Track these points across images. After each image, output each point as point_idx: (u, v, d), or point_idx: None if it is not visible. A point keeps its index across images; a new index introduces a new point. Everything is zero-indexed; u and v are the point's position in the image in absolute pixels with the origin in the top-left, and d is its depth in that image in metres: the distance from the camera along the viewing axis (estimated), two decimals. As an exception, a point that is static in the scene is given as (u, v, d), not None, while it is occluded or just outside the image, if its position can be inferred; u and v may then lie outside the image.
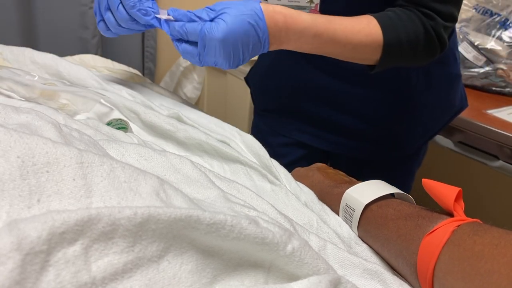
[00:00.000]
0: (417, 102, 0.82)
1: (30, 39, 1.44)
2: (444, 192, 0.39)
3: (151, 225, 0.28)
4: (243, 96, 1.64)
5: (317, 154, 0.91)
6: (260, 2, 0.59)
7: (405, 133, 0.85)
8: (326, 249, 0.40)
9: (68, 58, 0.86)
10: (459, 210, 0.38)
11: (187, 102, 0.78)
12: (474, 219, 0.37)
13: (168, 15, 0.59)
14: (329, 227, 0.47)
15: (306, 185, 0.55)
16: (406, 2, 0.67)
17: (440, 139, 1.14)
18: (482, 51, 1.20)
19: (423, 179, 0.41)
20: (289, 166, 0.59)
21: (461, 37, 1.22)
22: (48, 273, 0.24)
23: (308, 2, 0.70)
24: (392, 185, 0.49)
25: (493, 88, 1.22)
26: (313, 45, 0.63)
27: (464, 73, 1.21)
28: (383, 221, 0.43)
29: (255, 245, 0.32)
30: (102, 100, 0.62)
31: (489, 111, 1.08)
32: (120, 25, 0.62)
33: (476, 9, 1.22)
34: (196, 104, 1.83)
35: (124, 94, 0.67)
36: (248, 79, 1.00)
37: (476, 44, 1.20)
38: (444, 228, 0.36)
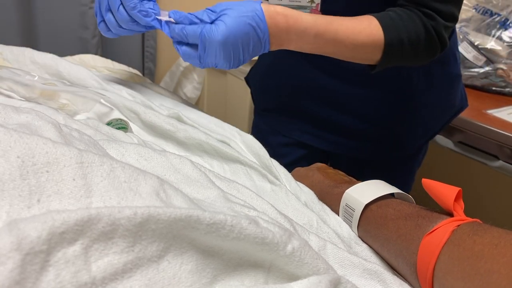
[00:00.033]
0: (417, 102, 0.82)
1: (30, 39, 1.44)
2: (444, 192, 0.39)
3: (151, 225, 0.28)
4: (243, 96, 1.64)
5: (318, 154, 0.90)
6: (261, 2, 0.59)
7: (406, 133, 0.85)
8: (326, 249, 0.41)
9: (68, 58, 0.86)
10: (459, 210, 0.38)
11: (187, 102, 0.78)
12: (474, 219, 0.37)
13: (169, 17, 0.59)
14: (329, 227, 0.47)
15: (306, 185, 0.55)
16: (406, 2, 0.67)
17: (440, 139, 1.14)
18: (482, 51, 1.20)
19: (423, 179, 0.41)
20: (289, 166, 0.59)
21: (461, 37, 1.22)
22: (48, 273, 0.24)
23: (309, 2, 0.70)
24: (393, 185, 0.49)
25: (493, 88, 1.22)
26: (314, 45, 0.63)
27: (464, 73, 1.21)
28: (383, 221, 0.43)
29: (255, 245, 0.32)
30: (102, 100, 0.62)
31: (489, 111, 1.08)
32: (120, 26, 0.62)
33: (476, 9, 1.22)
34: (196, 104, 1.83)
35: (124, 94, 0.67)
36: (248, 79, 1.00)
37: (476, 44, 1.20)
38: (444, 228, 0.36)
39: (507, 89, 1.20)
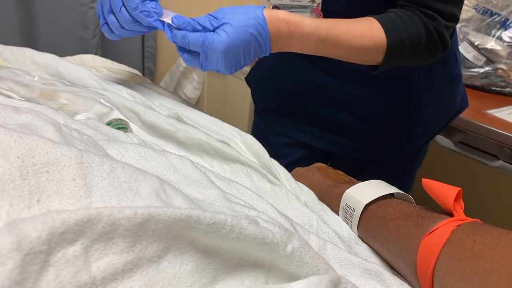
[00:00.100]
0: (418, 102, 0.82)
1: (30, 39, 1.44)
2: (444, 192, 0.39)
3: (151, 225, 0.28)
4: (243, 96, 1.64)
5: (318, 154, 0.90)
6: (264, 8, 0.59)
7: (406, 133, 0.85)
8: (326, 249, 0.40)
9: (68, 58, 0.86)
10: (459, 210, 0.38)
11: (187, 102, 0.78)
12: (474, 219, 0.37)
13: (172, 22, 0.59)
14: (329, 227, 0.47)
15: (306, 185, 0.55)
16: (407, 2, 0.67)
17: (440, 139, 1.14)
18: (482, 51, 1.19)
19: (423, 179, 0.41)
20: (290, 166, 0.59)
21: (461, 37, 1.22)
22: (48, 273, 0.24)
23: (310, 1, 0.70)
24: (393, 185, 0.49)
25: (493, 88, 1.22)
26: (316, 49, 0.63)
27: (464, 73, 1.21)
28: (383, 221, 0.43)
29: (255, 245, 0.32)
30: (102, 100, 0.62)
31: (489, 111, 1.08)
32: (123, 27, 0.62)
33: (476, 9, 1.22)
34: (196, 104, 1.83)
35: (124, 94, 0.67)
36: (248, 79, 1.00)
37: (476, 44, 1.20)
38: (444, 228, 0.36)
39: (507, 89, 1.20)
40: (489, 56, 1.19)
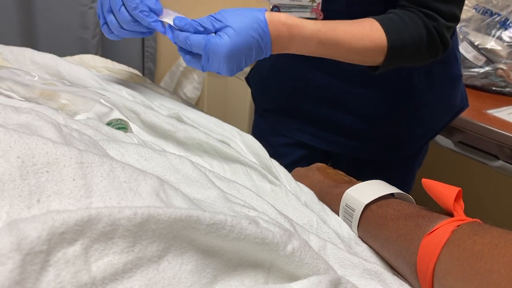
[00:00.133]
0: (418, 102, 0.82)
1: (30, 39, 1.44)
2: (444, 192, 0.39)
3: (151, 225, 0.28)
4: (243, 96, 1.64)
5: (318, 154, 0.91)
6: (265, 11, 0.59)
7: (406, 133, 0.85)
8: (326, 249, 0.40)
9: (68, 58, 0.86)
10: (459, 210, 0.38)
11: (187, 102, 0.78)
12: (474, 219, 0.37)
13: (174, 24, 0.59)
14: (329, 227, 0.47)
15: (306, 185, 0.55)
16: (407, 3, 0.67)
17: (440, 139, 1.14)
18: (482, 51, 1.19)
19: (423, 179, 0.41)
20: (290, 166, 0.59)
21: (461, 37, 1.22)
22: (48, 273, 0.24)
23: (310, 1, 0.70)
24: (393, 185, 0.49)
25: (493, 88, 1.22)
26: (316, 51, 0.63)
27: (464, 73, 1.21)
28: (383, 221, 0.43)
29: (255, 245, 0.32)
30: (102, 100, 0.62)
31: (489, 111, 1.08)
32: (122, 28, 0.62)
33: (476, 9, 1.22)
34: (196, 104, 1.83)
35: (124, 94, 0.67)
36: (249, 79, 1.00)
37: (476, 44, 1.20)
38: (444, 228, 0.36)
39: (507, 89, 1.20)
40: (489, 56, 1.19)
